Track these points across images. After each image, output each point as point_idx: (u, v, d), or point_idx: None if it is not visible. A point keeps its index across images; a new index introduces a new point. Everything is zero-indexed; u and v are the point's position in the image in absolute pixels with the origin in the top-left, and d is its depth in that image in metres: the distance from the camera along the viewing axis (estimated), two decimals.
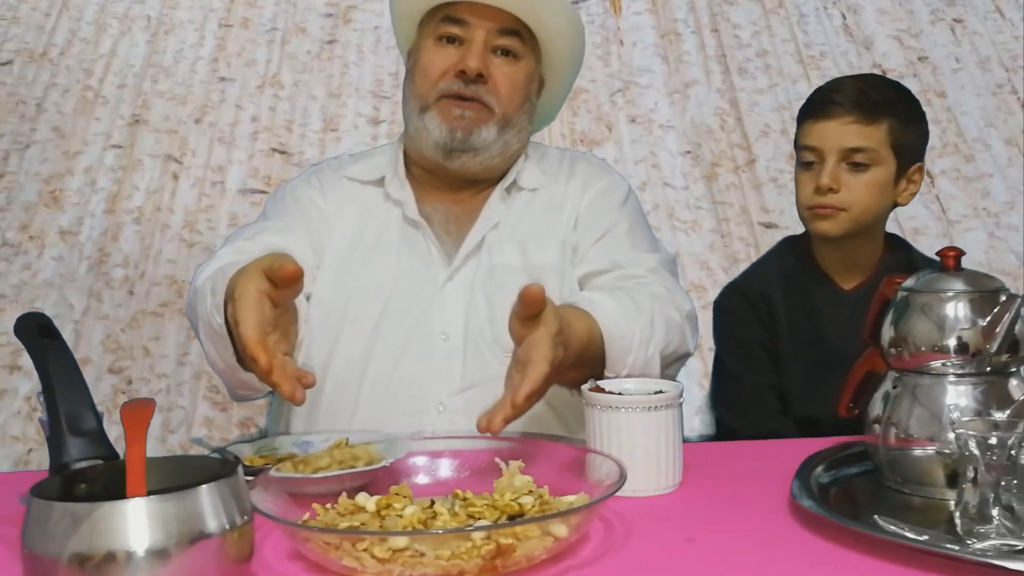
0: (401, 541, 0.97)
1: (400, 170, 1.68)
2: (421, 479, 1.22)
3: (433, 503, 1.07)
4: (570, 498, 1.09)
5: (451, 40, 1.62)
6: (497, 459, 1.17)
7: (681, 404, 1.22)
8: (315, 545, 1.00)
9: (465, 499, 1.09)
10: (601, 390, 1.23)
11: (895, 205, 1.79)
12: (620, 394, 1.22)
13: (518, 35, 1.62)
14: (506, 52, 1.62)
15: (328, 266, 1.62)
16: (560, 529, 1.01)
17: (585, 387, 1.25)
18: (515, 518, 1.05)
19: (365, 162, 1.72)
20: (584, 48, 1.72)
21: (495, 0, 1.59)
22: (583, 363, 1.35)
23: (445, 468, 1.23)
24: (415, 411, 1.53)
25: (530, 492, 1.10)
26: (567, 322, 1.28)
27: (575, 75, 1.75)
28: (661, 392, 1.22)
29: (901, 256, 1.82)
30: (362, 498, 1.10)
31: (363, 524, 1.06)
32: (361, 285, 1.59)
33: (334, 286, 1.60)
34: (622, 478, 1.07)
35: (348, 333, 1.58)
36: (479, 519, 1.05)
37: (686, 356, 1.54)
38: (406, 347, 1.56)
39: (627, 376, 1.38)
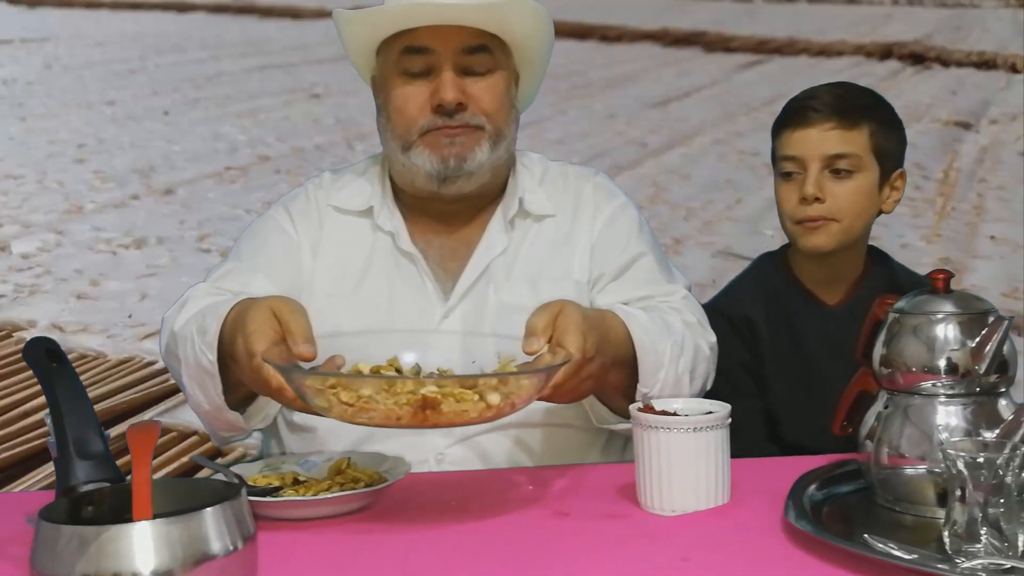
0: (366, 389, 1.13)
1: (388, 197, 1.59)
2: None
3: (418, 374, 1.24)
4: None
5: (417, 71, 1.51)
6: (497, 353, 1.27)
7: (729, 424, 1.24)
8: (307, 388, 1.16)
9: (446, 374, 1.23)
10: (651, 410, 1.25)
11: (879, 213, 1.78)
12: (675, 414, 1.24)
13: (486, 49, 1.52)
14: (477, 70, 1.52)
15: (314, 301, 1.47)
16: (493, 397, 1.14)
17: (633, 407, 1.26)
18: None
19: (350, 187, 1.62)
20: (553, 33, 1.59)
21: (457, 19, 1.48)
22: (624, 364, 1.35)
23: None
24: (411, 461, 1.37)
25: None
26: (597, 318, 1.32)
27: (548, 61, 1.63)
28: (712, 412, 1.24)
29: (882, 269, 1.79)
30: (361, 364, 1.24)
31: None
32: (351, 322, 1.49)
33: (321, 322, 1.39)
34: (565, 360, 1.21)
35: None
36: None
37: (705, 391, 1.49)
38: None
39: (658, 395, 1.38)
